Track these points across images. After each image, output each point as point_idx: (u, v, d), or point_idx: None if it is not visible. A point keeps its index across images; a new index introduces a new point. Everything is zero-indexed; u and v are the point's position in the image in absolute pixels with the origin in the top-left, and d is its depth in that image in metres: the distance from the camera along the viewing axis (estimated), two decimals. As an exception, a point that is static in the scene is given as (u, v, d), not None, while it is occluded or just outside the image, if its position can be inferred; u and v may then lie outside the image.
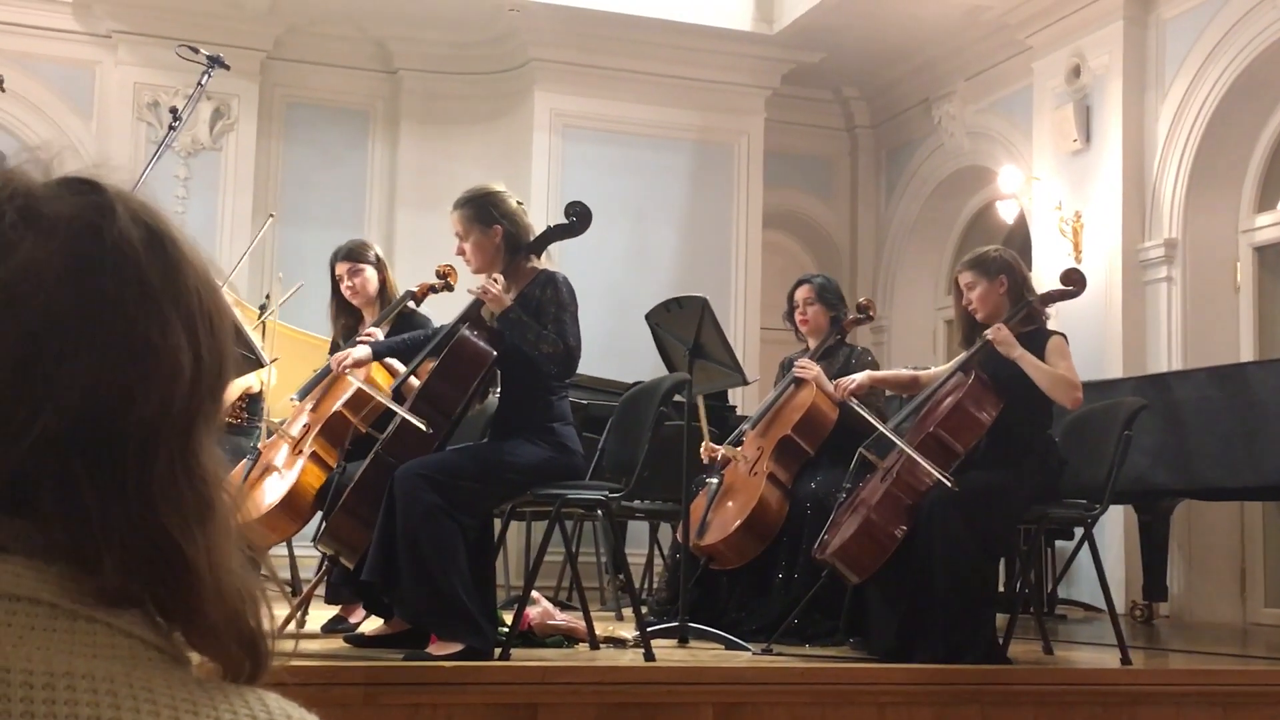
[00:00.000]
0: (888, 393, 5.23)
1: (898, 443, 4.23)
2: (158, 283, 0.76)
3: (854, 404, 4.65)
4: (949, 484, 4.02)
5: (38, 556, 0.73)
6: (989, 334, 4.28)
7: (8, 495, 0.73)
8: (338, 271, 4.77)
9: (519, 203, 4.07)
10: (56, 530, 0.73)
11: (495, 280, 3.90)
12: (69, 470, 0.73)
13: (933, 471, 4.06)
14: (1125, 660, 4.13)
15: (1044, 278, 7.40)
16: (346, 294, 4.76)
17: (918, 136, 9.72)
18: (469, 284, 4.09)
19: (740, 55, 9.00)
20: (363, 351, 4.27)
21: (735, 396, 7.45)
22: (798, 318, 5.26)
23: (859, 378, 4.72)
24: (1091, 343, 7.28)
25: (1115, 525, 7.00)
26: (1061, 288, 4.54)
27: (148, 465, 0.75)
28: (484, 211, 3.97)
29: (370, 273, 4.75)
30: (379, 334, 4.47)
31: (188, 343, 0.76)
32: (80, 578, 0.73)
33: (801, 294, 5.26)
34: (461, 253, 4.04)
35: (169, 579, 0.75)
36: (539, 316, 3.89)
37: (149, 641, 0.75)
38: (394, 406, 3.98)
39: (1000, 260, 4.39)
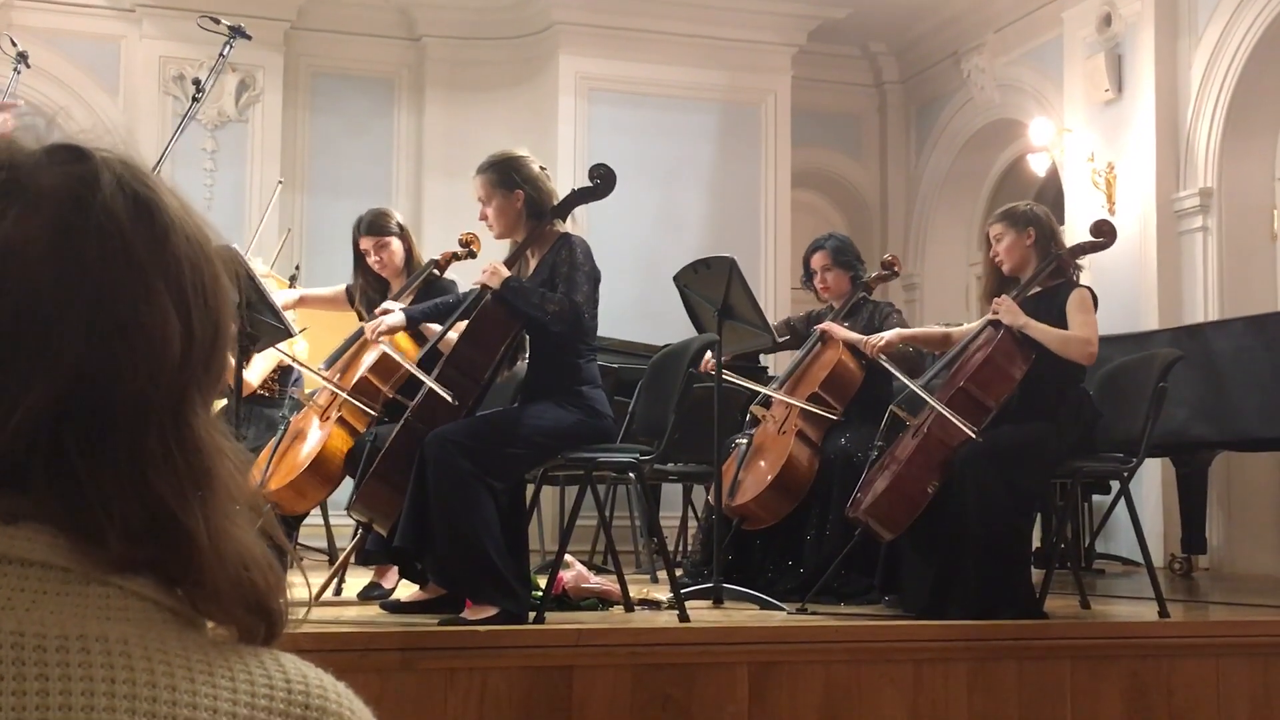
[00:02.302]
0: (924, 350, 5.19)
1: (928, 399, 4.20)
2: (143, 254, 0.75)
3: (884, 361, 4.63)
4: (973, 435, 4.00)
5: (49, 524, 0.73)
6: (992, 311, 4.24)
7: (14, 470, 0.73)
8: (363, 246, 4.76)
9: (542, 168, 4.06)
10: (52, 503, 0.73)
11: (490, 263, 3.94)
12: (59, 443, 0.73)
13: (961, 427, 4.04)
14: (1164, 613, 4.09)
15: (1077, 231, 7.33)
16: (375, 268, 4.76)
17: (947, 91, 9.61)
18: (492, 250, 4.09)
19: (765, 13, 8.91)
20: (396, 318, 4.28)
21: (766, 356, 7.42)
22: (818, 284, 5.22)
23: (888, 335, 4.69)
24: (1127, 295, 7.21)
25: (1153, 478, 6.95)
26: (1091, 239, 4.50)
27: (138, 436, 0.74)
28: (506, 176, 3.97)
29: (396, 244, 4.74)
30: (396, 307, 4.47)
31: (177, 314, 0.75)
32: (88, 546, 0.73)
33: (818, 261, 5.20)
34: (484, 217, 4.04)
35: (169, 547, 0.75)
36: (554, 278, 3.89)
37: (162, 604, 0.75)
38: (421, 375, 3.98)
39: (1030, 213, 4.38)
